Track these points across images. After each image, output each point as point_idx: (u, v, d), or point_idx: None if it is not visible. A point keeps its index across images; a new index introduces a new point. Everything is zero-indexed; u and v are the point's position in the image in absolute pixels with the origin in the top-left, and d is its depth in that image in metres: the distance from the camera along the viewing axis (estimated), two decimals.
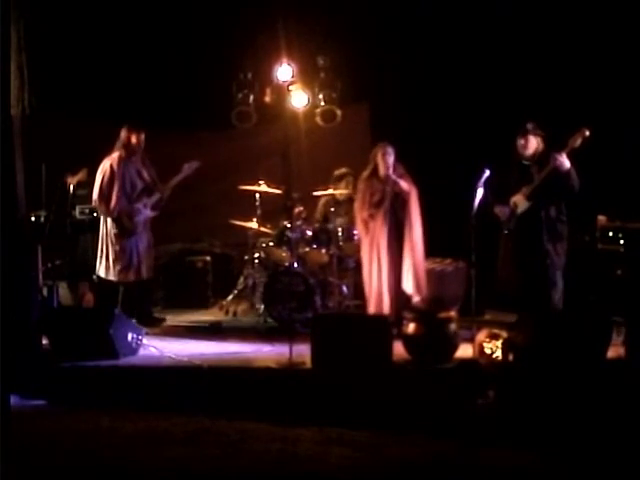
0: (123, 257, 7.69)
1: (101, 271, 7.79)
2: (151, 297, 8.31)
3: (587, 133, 6.60)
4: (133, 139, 7.71)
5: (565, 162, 6.69)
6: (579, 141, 6.64)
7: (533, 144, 6.94)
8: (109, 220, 7.73)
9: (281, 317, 7.70)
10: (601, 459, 5.10)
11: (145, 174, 7.84)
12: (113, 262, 7.70)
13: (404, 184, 7.23)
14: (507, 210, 7.00)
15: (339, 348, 6.15)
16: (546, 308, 6.78)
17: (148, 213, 7.85)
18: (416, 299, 7.16)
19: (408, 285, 7.18)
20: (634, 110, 7.78)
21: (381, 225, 7.27)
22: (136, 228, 7.74)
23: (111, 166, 7.69)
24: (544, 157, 6.86)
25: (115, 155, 7.74)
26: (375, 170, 7.34)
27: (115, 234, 7.70)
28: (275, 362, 6.43)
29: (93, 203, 7.83)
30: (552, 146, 6.83)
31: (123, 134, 7.74)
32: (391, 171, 7.25)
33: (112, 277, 7.73)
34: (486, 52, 8.44)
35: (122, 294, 7.77)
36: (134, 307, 7.73)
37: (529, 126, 6.94)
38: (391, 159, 7.28)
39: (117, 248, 7.69)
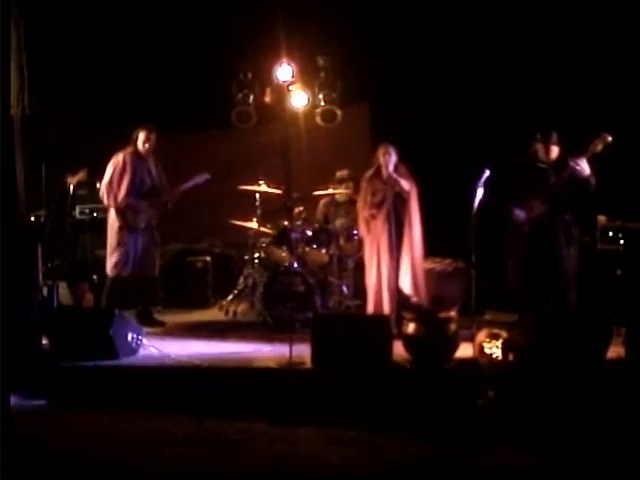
0: (119, 251, 7.68)
1: (107, 268, 7.78)
2: (150, 296, 8.29)
3: (609, 139, 6.58)
4: (144, 138, 7.75)
5: (585, 168, 6.69)
6: (600, 146, 6.63)
7: (556, 152, 6.93)
8: (112, 213, 7.73)
9: (281, 317, 7.70)
10: (601, 459, 5.10)
11: (155, 175, 7.87)
12: (110, 256, 7.71)
13: (405, 183, 7.25)
14: (523, 214, 6.97)
15: (339, 348, 6.15)
16: (565, 310, 6.78)
17: (152, 212, 7.86)
18: (414, 299, 7.18)
19: (406, 285, 7.20)
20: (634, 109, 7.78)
21: (382, 225, 7.29)
22: (139, 224, 7.74)
23: (124, 159, 7.73)
24: (561, 162, 6.85)
25: (129, 150, 7.79)
26: (378, 170, 7.36)
27: (117, 227, 7.70)
28: (275, 362, 6.43)
29: (100, 194, 7.81)
30: (569, 151, 6.82)
31: (135, 133, 7.79)
32: (392, 170, 7.27)
33: (107, 271, 7.72)
34: (486, 51, 8.45)
35: (109, 287, 7.73)
36: (124, 303, 7.70)
37: (554, 135, 6.91)
38: (392, 159, 7.30)
39: (115, 242, 7.70)
